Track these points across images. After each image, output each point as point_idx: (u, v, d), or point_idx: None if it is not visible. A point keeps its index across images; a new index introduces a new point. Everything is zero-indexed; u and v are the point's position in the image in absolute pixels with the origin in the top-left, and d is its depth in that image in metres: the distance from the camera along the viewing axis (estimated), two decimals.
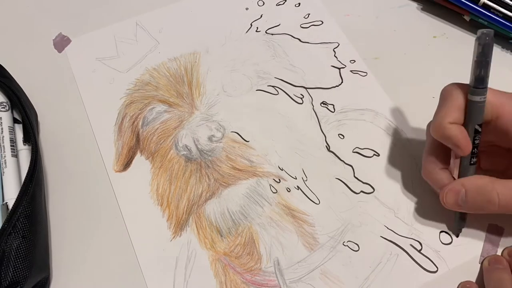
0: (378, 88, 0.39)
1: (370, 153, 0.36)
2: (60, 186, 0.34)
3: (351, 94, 0.38)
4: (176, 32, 0.41)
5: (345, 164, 0.35)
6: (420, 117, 0.37)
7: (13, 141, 0.33)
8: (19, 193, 0.29)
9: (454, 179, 0.31)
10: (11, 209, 0.29)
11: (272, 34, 0.41)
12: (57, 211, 0.34)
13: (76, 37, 0.41)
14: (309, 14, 0.43)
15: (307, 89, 0.38)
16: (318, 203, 0.33)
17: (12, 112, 0.34)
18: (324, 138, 0.36)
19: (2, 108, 0.34)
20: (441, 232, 0.33)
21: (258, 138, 0.36)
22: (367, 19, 0.43)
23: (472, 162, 0.30)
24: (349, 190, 0.34)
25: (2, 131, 0.33)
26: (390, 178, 0.34)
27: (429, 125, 0.32)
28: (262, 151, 0.35)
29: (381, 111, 0.37)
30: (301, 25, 0.42)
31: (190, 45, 0.40)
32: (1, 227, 0.28)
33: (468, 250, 0.32)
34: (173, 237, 0.32)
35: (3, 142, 0.32)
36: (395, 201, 0.33)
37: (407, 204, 0.33)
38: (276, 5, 0.43)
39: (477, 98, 0.28)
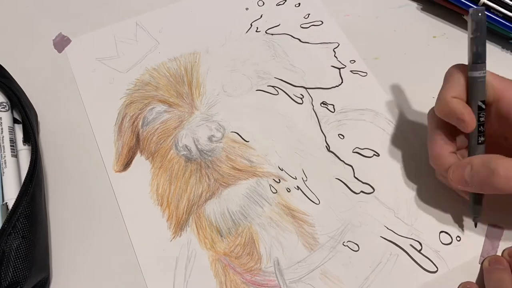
0: (378, 88, 0.39)
1: (370, 153, 0.36)
2: (60, 186, 0.34)
3: (351, 94, 0.38)
4: (176, 32, 0.41)
5: (345, 164, 0.35)
6: (420, 117, 0.37)
7: (13, 141, 0.33)
8: (19, 193, 0.29)
9: None
10: (11, 209, 0.29)
11: (272, 34, 0.41)
12: (57, 211, 0.34)
13: (76, 37, 0.41)
14: (309, 14, 0.43)
15: (307, 89, 0.38)
16: (318, 203, 0.33)
17: (12, 112, 0.34)
18: (324, 138, 0.36)
19: (2, 108, 0.34)
20: (441, 232, 0.33)
21: (258, 138, 0.36)
22: (367, 19, 0.43)
23: (480, 141, 0.30)
24: (349, 190, 0.34)
25: (2, 131, 0.33)
26: (390, 178, 0.34)
27: (430, 111, 0.32)
28: (262, 151, 0.35)
29: (381, 111, 0.37)
30: (301, 25, 0.42)
31: (190, 45, 0.40)
32: (1, 227, 0.28)
33: (468, 250, 0.32)
34: (173, 237, 0.32)
35: (3, 142, 0.32)
36: (395, 201, 0.33)
37: (407, 204, 0.33)
38: (276, 5, 0.43)
39: (476, 74, 0.29)
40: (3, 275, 0.27)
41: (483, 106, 0.30)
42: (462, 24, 0.42)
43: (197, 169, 0.34)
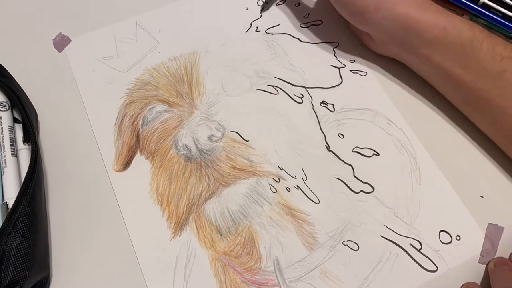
0: (378, 88, 0.39)
1: (370, 153, 0.36)
2: (60, 185, 0.34)
3: (351, 94, 0.38)
4: (176, 31, 0.41)
5: (344, 164, 0.35)
6: (420, 116, 0.37)
7: (13, 141, 0.33)
8: (19, 193, 0.29)
9: None
10: (11, 209, 0.29)
11: (272, 34, 0.41)
12: (57, 211, 0.34)
13: (76, 37, 0.41)
14: (308, 14, 0.43)
15: (307, 89, 0.38)
16: (318, 202, 0.33)
17: (12, 112, 0.34)
18: (323, 137, 0.36)
19: (2, 107, 0.34)
20: (440, 231, 0.33)
21: (258, 138, 0.36)
22: None
23: None
24: (349, 190, 0.34)
25: (2, 131, 0.33)
26: (389, 177, 0.35)
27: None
28: (262, 150, 0.35)
29: (381, 111, 0.37)
30: (301, 25, 0.42)
31: (190, 45, 0.40)
32: (1, 227, 0.28)
33: (468, 249, 0.32)
34: (173, 237, 0.32)
35: (3, 142, 0.33)
36: (395, 201, 0.33)
37: (407, 203, 0.33)
38: (276, 4, 0.43)
39: None
40: (3, 274, 0.27)
41: None
42: None
43: (197, 169, 0.34)
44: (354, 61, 0.40)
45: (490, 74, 0.32)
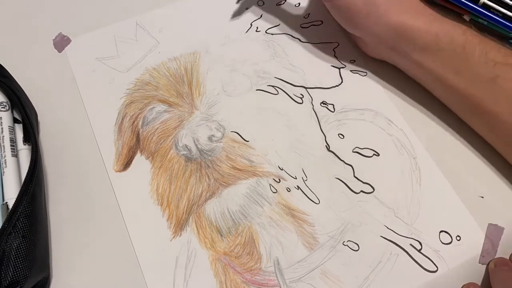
0: (378, 88, 0.39)
1: (370, 153, 0.36)
2: (60, 186, 0.34)
3: (351, 94, 0.38)
4: (176, 32, 0.41)
5: (345, 164, 0.35)
6: (420, 117, 0.37)
7: (13, 141, 0.33)
8: (19, 193, 0.29)
9: None
10: (11, 209, 0.29)
11: (272, 34, 0.41)
12: (57, 211, 0.34)
13: (76, 37, 0.41)
14: (309, 14, 0.43)
15: (307, 89, 0.38)
16: (318, 202, 0.33)
17: (12, 112, 0.34)
18: (324, 138, 0.36)
19: (2, 108, 0.34)
20: (441, 232, 0.33)
21: (258, 138, 0.36)
22: None
23: None
24: (349, 190, 0.34)
25: (2, 131, 0.33)
26: (390, 177, 0.35)
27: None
28: (262, 151, 0.35)
29: (381, 111, 0.37)
30: (301, 25, 0.42)
31: (190, 45, 0.40)
32: (1, 227, 0.28)
33: (468, 249, 0.32)
34: (173, 237, 0.32)
35: (3, 142, 0.33)
36: (395, 201, 0.34)
37: (407, 203, 0.33)
38: (276, 5, 0.43)
39: None
40: (3, 275, 0.27)
41: None
42: None
43: (197, 169, 0.34)
44: (354, 61, 0.40)
45: (483, 80, 0.32)
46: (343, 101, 0.38)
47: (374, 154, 0.35)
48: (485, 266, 0.32)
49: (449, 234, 0.32)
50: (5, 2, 0.43)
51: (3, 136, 0.33)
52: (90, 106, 0.38)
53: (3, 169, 0.32)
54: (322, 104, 0.38)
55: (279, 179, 0.34)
